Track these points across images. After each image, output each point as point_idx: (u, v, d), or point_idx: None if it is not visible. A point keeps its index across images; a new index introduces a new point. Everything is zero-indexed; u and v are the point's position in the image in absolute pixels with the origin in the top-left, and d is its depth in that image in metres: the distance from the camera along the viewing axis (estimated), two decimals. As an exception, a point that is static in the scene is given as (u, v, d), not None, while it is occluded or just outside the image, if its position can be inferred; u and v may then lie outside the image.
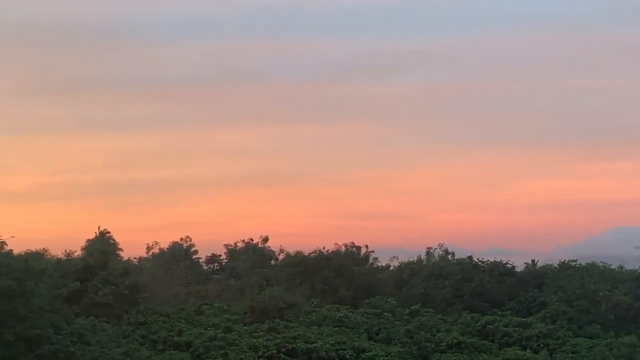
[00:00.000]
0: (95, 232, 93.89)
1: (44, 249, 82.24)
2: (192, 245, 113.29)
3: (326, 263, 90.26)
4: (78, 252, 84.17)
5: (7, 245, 48.49)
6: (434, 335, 68.12)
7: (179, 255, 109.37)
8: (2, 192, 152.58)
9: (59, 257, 79.65)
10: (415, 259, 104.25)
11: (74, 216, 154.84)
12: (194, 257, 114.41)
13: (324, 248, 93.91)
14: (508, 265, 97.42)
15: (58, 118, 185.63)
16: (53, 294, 48.93)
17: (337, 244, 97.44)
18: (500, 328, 72.81)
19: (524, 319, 76.02)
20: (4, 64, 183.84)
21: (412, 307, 78.18)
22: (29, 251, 67.77)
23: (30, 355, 42.78)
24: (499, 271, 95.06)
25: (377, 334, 70.20)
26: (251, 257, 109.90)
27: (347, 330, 69.19)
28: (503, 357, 65.72)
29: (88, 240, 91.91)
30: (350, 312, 74.85)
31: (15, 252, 50.49)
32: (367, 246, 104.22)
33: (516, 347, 68.39)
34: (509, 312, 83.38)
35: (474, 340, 68.58)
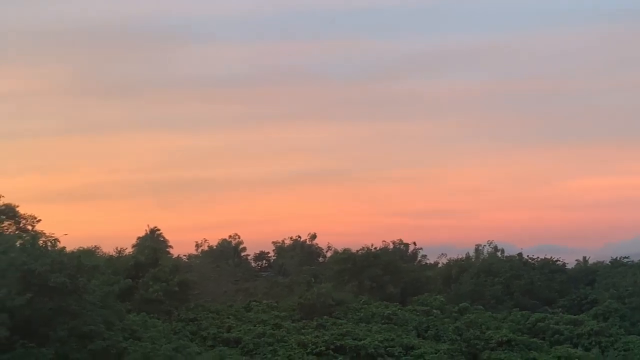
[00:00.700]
0: (146, 230, 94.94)
1: (96, 246, 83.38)
2: (241, 243, 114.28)
3: (374, 260, 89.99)
4: (129, 250, 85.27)
5: (60, 242, 49.01)
6: (484, 333, 67.59)
7: (227, 253, 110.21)
8: (56, 190, 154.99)
9: (111, 254, 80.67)
10: (464, 256, 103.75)
11: (125, 214, 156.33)
12: (242, 254, 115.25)
13: (372, 245, 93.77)
14: (558, 263, 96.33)
15: (111, 118, 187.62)
16: (105, 291, 49.35)
17: (384, 242, 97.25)
18: (551, 326, 71.93)
19: (575, 317, 74.95)
20: (60, 64, 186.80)
21: (461, 305, 77.66)
22: (81, 248, 68.64)
23: (83, 350, 43.27)
24: (549, 268, 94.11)
25: (426, 332, 69.81)
26: (299, 255, 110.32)
27: (396, 327, 68.89)
28: (554, 355, 64.83)
29: (139, 238, 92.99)
30: (398, 309, 74.57)
31: (68, 249, 51.01)
32: (415, 243, 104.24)
33: (567, 345, 67.46)
34: (560, 309, 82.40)
35: (525, 337, 67.85)
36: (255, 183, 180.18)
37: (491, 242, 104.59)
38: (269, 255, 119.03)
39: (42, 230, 56.62)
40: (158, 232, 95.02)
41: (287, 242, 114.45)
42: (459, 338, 66.90)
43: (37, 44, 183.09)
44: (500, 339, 66.18)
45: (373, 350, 60.97)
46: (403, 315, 72.74)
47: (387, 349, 61.91)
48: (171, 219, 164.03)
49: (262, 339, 61.00)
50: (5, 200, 63.62)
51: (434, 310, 75.04)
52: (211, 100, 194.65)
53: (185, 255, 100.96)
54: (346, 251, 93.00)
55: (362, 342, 61.74)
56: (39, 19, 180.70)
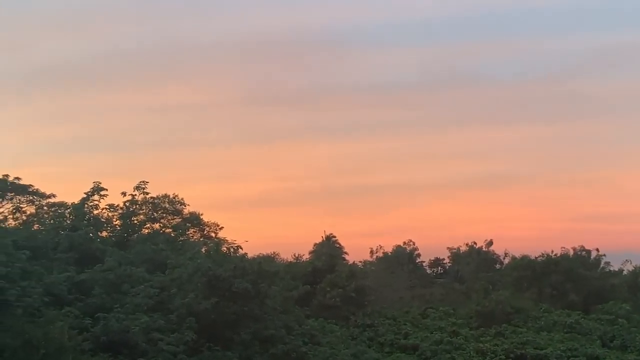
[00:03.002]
0: (322, 236, 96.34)
1: (274, 252, 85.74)
2: (416, 249, 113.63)
3: (554, 267, 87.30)
4: (306, 256, 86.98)
5: (242, 249, 50.68)
6: (675, 344, 64.00)
7: (402, 259, 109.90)
8: (237, 198, 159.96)
9: (289, 260, 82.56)
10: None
11: (301, 221, 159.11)
12: (417, 260, 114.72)
13: (552, 251, 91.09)
14: None
15: (285, 126, 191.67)
16: (285, 296, 50.58)
17: (564, 248, 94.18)
18: None
19: None
20: (236, 77, 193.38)
21: (648, 314, 73.82)
22: (261, 255, 70.76)
23: (265, 354, 44.43)
24: None
25: (612, 341, 66.80)
26: (475, 261, 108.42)
27: (579, 336, 66.42)
28: None
29: (315, 244, 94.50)
30: (581, 317, 71.92)
31: (249, 255, 52.69)
32: (597, 250, 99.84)
33: None
34: None
35: None
36: (429, 188, 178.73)
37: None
38: (444, 261, 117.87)
39: (224, 237, 58.80)
40: (334, 238, 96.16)
41: (463, 248, 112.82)
42: (647, 349, 63.64)
43: (214, 56, 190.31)
44: (693, 351, 62.49)
45: (555, 359, 59.11)
46: (586, 324, 70.01)
47: (570, 358, 59.78)
48: (345, 225, 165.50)
49: (440, 346, 60.47)
50: (190, 209, 66.45)
51: (620, 320, 71.75)
52: (383, 106, 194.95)
53: (360, 262, 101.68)
54: (525, 258, 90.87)
55: (544, 351, 59.94)
56: (214, 32, 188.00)
